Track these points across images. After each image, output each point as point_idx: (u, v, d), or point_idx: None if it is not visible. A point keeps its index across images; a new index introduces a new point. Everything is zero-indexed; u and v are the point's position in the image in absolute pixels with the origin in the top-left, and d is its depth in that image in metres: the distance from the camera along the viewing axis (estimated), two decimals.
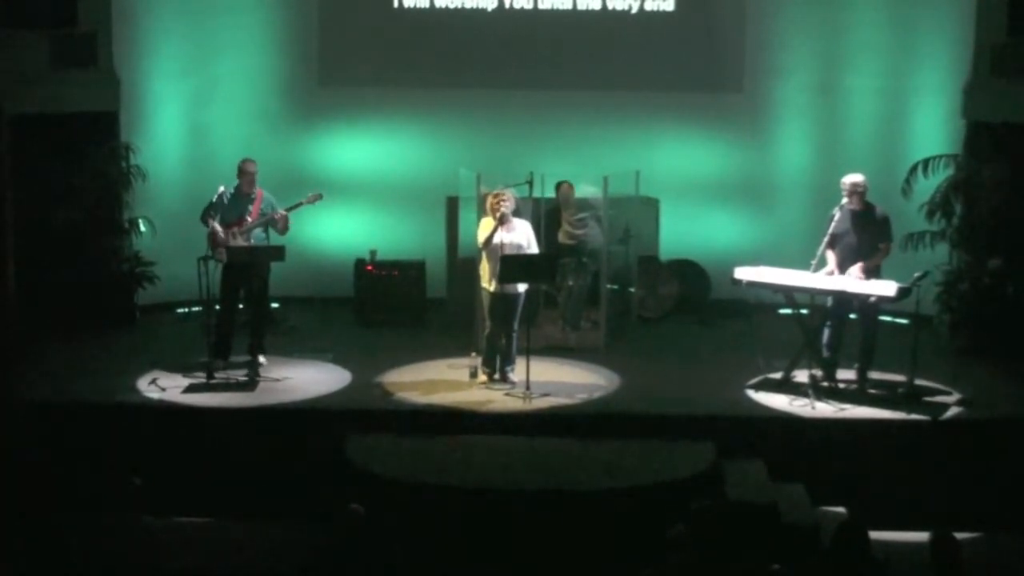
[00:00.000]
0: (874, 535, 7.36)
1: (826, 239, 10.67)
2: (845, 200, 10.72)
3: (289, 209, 11.36)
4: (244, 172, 11.39)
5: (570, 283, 12.44)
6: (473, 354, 11.22)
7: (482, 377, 11.09)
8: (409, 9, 13.63)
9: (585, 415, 10.45)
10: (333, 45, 13.76)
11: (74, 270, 12.35)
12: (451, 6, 13.60)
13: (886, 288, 10.35)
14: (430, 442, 10.04)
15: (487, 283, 10.95)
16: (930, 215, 12.24)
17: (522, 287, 10.95)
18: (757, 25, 13.55)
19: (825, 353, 10.88)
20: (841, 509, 9.43)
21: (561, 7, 13.54)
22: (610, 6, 13.53)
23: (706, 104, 13.68)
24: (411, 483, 9.37)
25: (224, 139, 13.33)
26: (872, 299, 10.53)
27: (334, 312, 13.37)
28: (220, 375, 11.10)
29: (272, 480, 9.91)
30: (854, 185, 10.67)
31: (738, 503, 9.03)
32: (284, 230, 11.39)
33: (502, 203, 10.79)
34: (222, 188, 11.28)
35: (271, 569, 8.76)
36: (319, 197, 11.50)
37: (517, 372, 11.00)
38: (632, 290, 12.95)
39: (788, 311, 11.46)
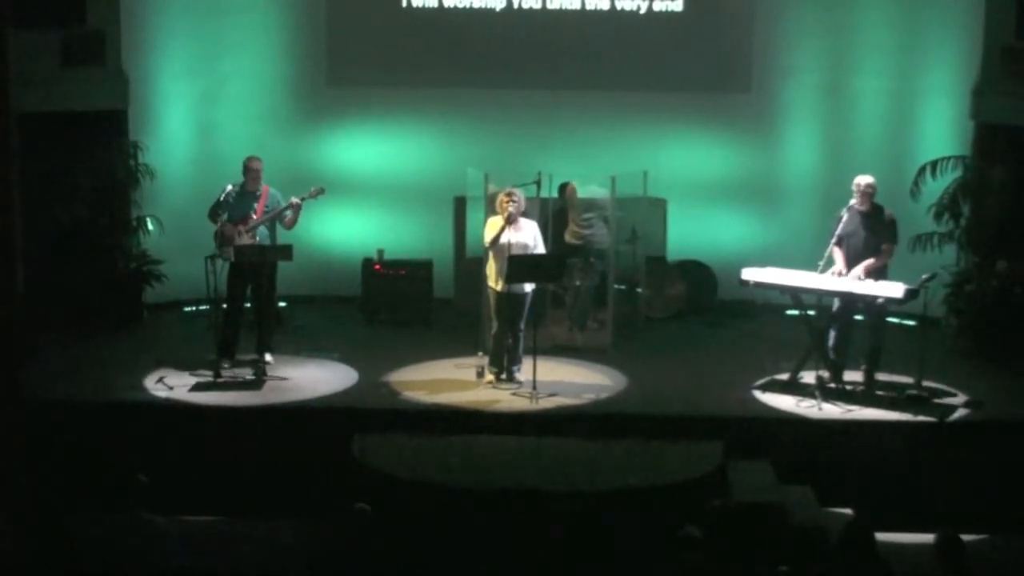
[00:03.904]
0: (880, 536, 7.35)
1: (833, 240, 10.67)
2: (854, 201, 10.72)
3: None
4: (249, 169, 11.41)
5: (577, 283, 12.44)
6: (480, 354, 11.22)
7: (489, 377, 11.09)
8: (417, 9, 13.62)
9: (592, 415, 10.45)
10: (341, 45, 13.75)
11: (81, 268, 12.37)
12: (459, 6, 13.58)
13: (893, 290, 10.34)
14: (437, 441, 10.04)
15: (494, 283, 10.95)
16: (938, 217, 12.22)
17: (529, 287, 10.95)
18: (765, 26, 13.53)
19: (831, 355, 10.87)
20: (847, 510, 9.42)
21: (569, 7, 13.53)
22: (618, 6, 13.51)
23: (714, 105, 13.67)
24: (417, 482, 9.37)
25: (232, 138, 13.34)
26: (879, 300, 10.53)
27: (341, 311, 13.37)
28: (227, 374, 11.12)
29: (278, 479, 9.93)
30: (868, 185, 10.67)
31: (745, 504, 9.01)
32: (292, 223, 11.39)
33: (510, 202, 10.79)
34: (229, 187, 11.31)
35: (277, 568, 8.76)
36: (321, 191, 11.51)
37: (524, 372, 10.99)
38: (639, 290, 12.94)
39: (795, 312, 11.46)
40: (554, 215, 12.51)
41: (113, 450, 9.92)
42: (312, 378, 11.20)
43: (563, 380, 11.14)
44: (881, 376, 10.98)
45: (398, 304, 13.08)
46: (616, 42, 13.55)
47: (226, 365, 11.21)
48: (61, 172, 12.33)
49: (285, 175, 12.44)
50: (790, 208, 13.67)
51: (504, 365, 11.10)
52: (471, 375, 11.15)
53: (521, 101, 13.58)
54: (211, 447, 10.13)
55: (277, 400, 10.64)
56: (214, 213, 11.34)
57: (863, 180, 10.73)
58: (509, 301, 10.91)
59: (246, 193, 11.38)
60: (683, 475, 9.49)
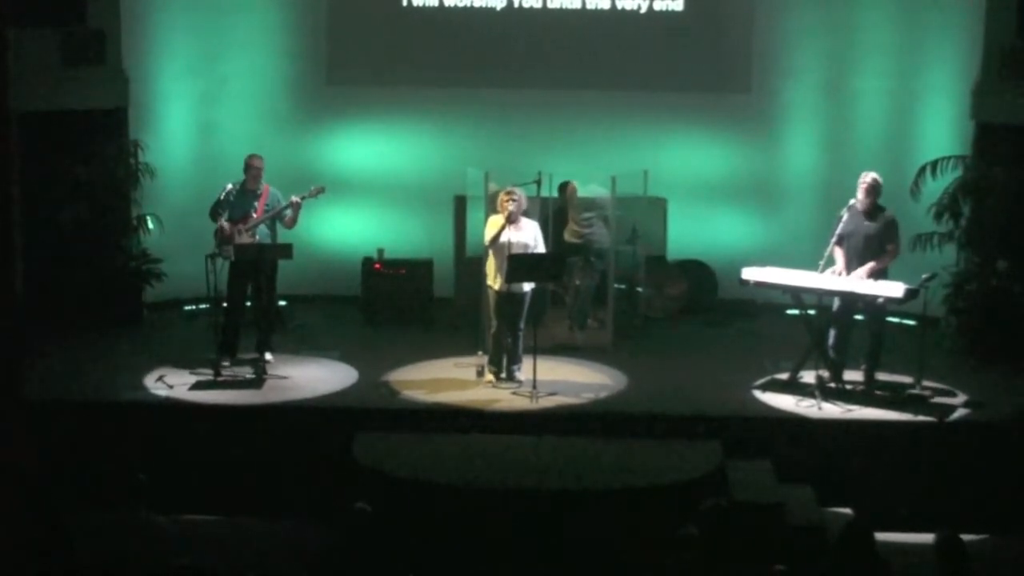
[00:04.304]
0: (880, 536, 7.36)
1: (834, 239, 10.67)
2: (855, 200, 10.72)
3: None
4: (250, 167, 11.42)
5: (577, 282, 12.45)
6: (480, 353, 11.23)
7: (489, 376, 11.10)
8: (417, 8, 13.62)
9: (592, 415, 10.45)
10: (341, 44, 13.76)
11: (81, 267, 12.37)
12: (459, 5, 13.57)
13: (893, 289, 10.35)
14: (436, 441, 10.04)
15: (493, 282, 10.95)
16: (938, 216, 12.21)
17: (528, 286, 10.95)
18: (765, 26, 13.53)
19: (831, 354, 10.87)
20: (847, 510, 9.43)
21: (570, 6, 13.52)
22: (619, 6, 13.51)
23: (714, 104, 13.66)
24: (417, 482, 9.38)
25: (232, 137, 13.34)
26: (879, 300, 10.53)
27: (341, 310, 13.37)
28: (227, 373, 11.13)
29: (278, 478, 9.93)
30: (875, 180, 10.67)
31: (744, 503, 9.03)
32: (293, 222, 11.39)
33: (510, 201, 10.78)
34: (229, 186, 11.32)
35: (277, 567, 8.76)
36: (322, 190, 11.52)
37: (524, 371, 10.99)
38: (639, 290, 12.94)
39: (795, 312, 11.47)
40: (554, 214, 12.51)
41: (113, 450, 9.92)
42: (312, 378, 11.20)
43: (563, 379, 11.14)
44: (881, 376, 10.98)
45: (398, 303, 13.07)
46: (616, 42, 13.54)
47: (226, 364, 11.22)
48: (61, 171, 12.34)
49: (285, 174, 12.44)
50: (790, 208, 13.67)
51: (504, 364, 11.11)
52: (471, 375, 11.16)
53: (521, 101, 13.58)
54: (211, 447, 10.13)
55: (277, 399, 10.64)
56: (214, 212, 11.35)
57: (872, 175, 10.73)
58: (509, 300, 10.91)
59: (247, 192, 11.39)
60: (683, 475, 9.49)
